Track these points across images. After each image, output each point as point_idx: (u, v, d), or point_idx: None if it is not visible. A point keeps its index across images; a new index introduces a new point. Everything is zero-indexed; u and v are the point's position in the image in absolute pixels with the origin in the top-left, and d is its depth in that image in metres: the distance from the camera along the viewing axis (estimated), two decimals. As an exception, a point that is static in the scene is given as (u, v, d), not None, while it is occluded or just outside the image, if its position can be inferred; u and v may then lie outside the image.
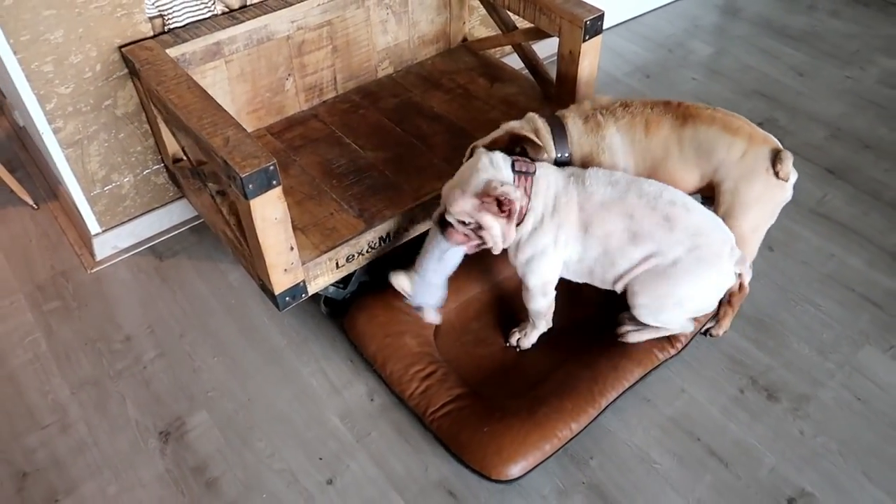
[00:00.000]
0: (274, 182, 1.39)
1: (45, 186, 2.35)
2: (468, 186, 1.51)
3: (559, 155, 1.67)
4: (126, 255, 2.12)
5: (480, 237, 1.55)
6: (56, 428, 1.70)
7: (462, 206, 1.51)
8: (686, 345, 1.74)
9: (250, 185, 1.35)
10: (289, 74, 1.99)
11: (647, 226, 1.52)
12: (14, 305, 1.99)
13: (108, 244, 2.11)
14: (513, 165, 1.54)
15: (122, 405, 1.75)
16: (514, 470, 1.53)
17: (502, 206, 1.49)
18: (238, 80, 1.90)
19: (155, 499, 1.57)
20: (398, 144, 1.95)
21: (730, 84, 2.73)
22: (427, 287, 1.67)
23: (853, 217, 2.15)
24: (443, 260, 1.63)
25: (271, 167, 1.37)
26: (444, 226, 1.57)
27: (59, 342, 1.89)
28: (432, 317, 1.74)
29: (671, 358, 1.73)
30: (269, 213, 1.43)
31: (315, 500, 1.56)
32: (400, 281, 1.68)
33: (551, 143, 1.67)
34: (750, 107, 2.60)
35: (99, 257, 2.11)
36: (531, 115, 1.71)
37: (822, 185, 2.27)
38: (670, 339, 1.72)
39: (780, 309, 1.90)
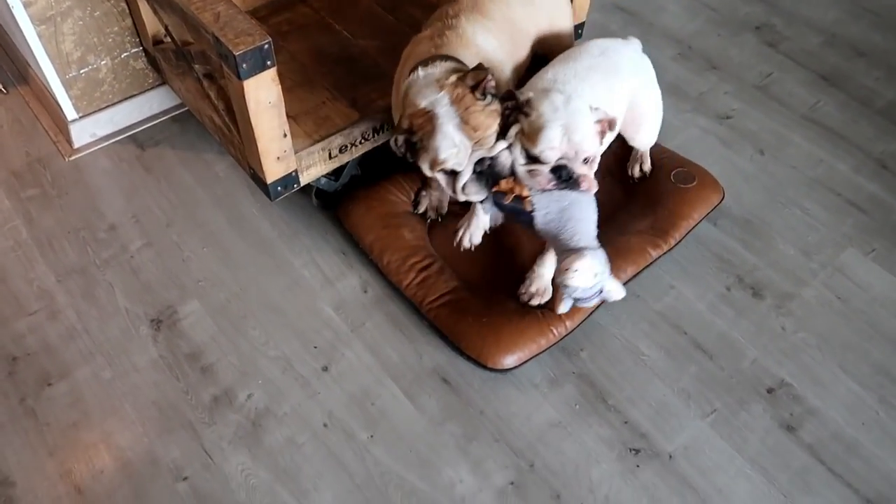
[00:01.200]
0: (269, 62, 1.32)
1: (14, 70, 2.23)
2: (587, 118, 1.38)
3: None
4: (105, 144, 2.04)
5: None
6: (44, 314, 1.68)
7: (596, 144, 1.41)
8: (679, 241, 1.77)
9: (244, 65, 1.29)
10: (276, -49, 1.88)
11: (599, 84, 1.53)
12: (-10, 192, 1.92)
13: (86, 131, 2.02)
14: None
15: (111, 293, 1.73)
16: (510, 360, 1.57)
17: (605, 128, 1.43)
18: (222, -45, 1.78)
19: (150, 383, 1.58)
20: (391, 33, 1.87)
21: (727, -14, 2.66)
22: (603, 255, 1.45)
23: (843, 124, 2.16)
24: (591, 214, 1.49)
25: (266, 46, 1.30)
26: (568, 176, 1.39)
27: (40, 230, 1.84)
28: (620, 289, 1.50)
29: (664, 255, 1.75)
30: (263, 96, 1.37)
31: (311, 386, 1.58)
32: (587, 266, 1.40)
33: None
34: (747, 10, 2.55)
35: (77, 145, 2.02)
36: (419, 70, 1.45)
37: (814, 92, 2.26)
38: (662, 236, 1.74)
39: (768, 211, 1.93)
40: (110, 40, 1.89)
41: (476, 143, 1.39)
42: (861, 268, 1.81)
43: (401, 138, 1.42)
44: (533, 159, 1.40)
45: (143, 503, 1.42)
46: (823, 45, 2.43)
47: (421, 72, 1.45)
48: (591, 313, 1.66)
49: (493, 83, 1.42)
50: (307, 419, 1.53)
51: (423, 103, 1.40)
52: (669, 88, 2.26)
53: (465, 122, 1.38)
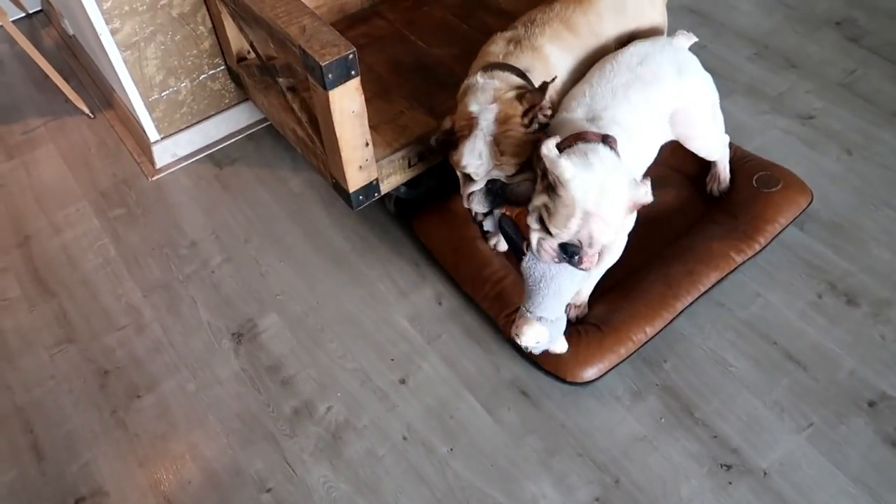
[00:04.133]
0: (353, 72, 1.34)
1: (99, 95, 2.33)
2: (616, 207, 1.27)
3: None
4: (185, 163, 2.11)
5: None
6: (132, 329, 1.74)
7: (615, 235, 1.32)
8: (764, 247, 1.69)
9: (330, 75, 1.31)
10: (350, -32, 1.91)
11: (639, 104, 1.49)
12: (80, 212, 2.00)
13: (168, 151, 2.10)
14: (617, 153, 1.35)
15: (194, 307, 1.77)
16: (590, 373, 1.53)
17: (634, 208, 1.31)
18: (298, -25, 1.82)
19: (233, 395, 1.61)
20: (465, 41, 1.87)
21: (804, -18, 2.56)
22: (557, 326, 1.45)
23: (938, 120, 2.04)
24: (569, 291, 1.42)
25: (351, 55, 1.32)
26: (574, 254, 1.32)
27: (126, 247, 1.91)
28: (563, 346, 1.50)
29: (748, 260, 1.68)
30: (347, 106, 1.39)
31: (389, 398, 1.58)
32: (534, 334, 1.41)
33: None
34: (826, 6, 2.44)
35: (159, 165, 2.10)
36: (481, 74, 1.49)
37: (904, 88, 2.15)
38: (747, 241, 1.68)
39: (859, 213, 1.83)
40: (190, 63, 1.96)
41: (497, 165, 1.44)
42: (966, 272, 1.69)
43: (436, 139, 1.51)
44: (546, 229, 1.31)
45: (230, 514, 1.44)
46: (912, 38, 2.31)
47: (480, 79, 1.49)
48: (670, 322, 1.60)
49: (547, 111, 1.44)
50: (386, 432, 1.53)
51: (472, 108, 1.45)
52: (746, 89, 2.19)
53: (496, 143, 1.43)
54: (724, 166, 1.80)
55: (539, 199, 1.31)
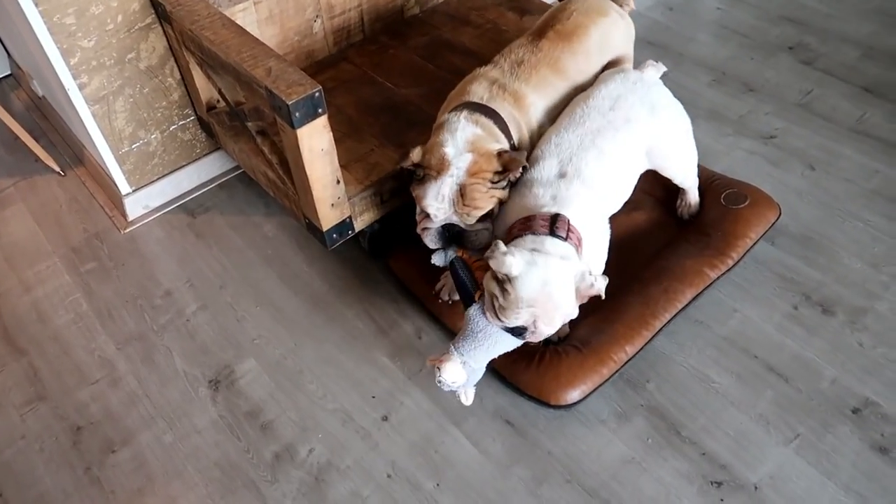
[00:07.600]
0: (320, 110, 1.36)
1: (69, 153, 2.33)
2: (568, 294, 1.32)
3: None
4: (158, 214, 2.10)
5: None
6: (106, 383, 1.70)
7: (567, 317, 1.37)
8: (737, 262, 1.71)
9: (297, 113, 1.32)
10: (317, 16, 1.94)
11: (619, 141, 1.52)
12: (51, 269, 1.97)
13: (139, 204, 2.09)
14: (568, 236, 1.36)
15: (169, 357, 1.74)
16: (573, 395, 1.52)
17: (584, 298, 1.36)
18: (267, 23, 1.86)
19: (211, 444, 1.57)
20: (433, 80, 1.91)
21: (755, 11, 2.66)
22: (475, 374, 1.44)
23: (894, 132, 2.10)
24: (501, 351, 1.42)
25: (317, 93, 1.33)
26: (520, 333, 1.37)
27: (99, 301, 1.88)
28: (471, 396, 1.47)
29: (722, 276, 1.69)
30: (316, 144, 1.40)
31: (372, 437, 1.55)
32: (453, 373, 1.38)
33: (506, 141, 1.52)
34: (778, 32, 2.54)
35: (131, 217, 2.09)
36: (465, 115, 1.48)
37: (859, 104, 2.21)
38: (719, 257, 1.69)
39: (828, 226, 1.86)
40: (159, 114, 1.97)
41: (459, 213, 1.46)
42: (936, 276, 1.72)
43: (401, 167, 1.51)
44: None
45: (211, 567, 1.38)
46: (862, 58, 2.39)
47: (464, 120, 1.48)
48: (650, 340, 1.60)
49: (518, 174, 1.46)
50: (370, 471, 1.50)
51: (448, 150, 1.45)
52: (708, 114, 2.25)
53: (461, 192, 1.44)
54: (694, 193, 1.83)
55: (490, 286, 1.34)
